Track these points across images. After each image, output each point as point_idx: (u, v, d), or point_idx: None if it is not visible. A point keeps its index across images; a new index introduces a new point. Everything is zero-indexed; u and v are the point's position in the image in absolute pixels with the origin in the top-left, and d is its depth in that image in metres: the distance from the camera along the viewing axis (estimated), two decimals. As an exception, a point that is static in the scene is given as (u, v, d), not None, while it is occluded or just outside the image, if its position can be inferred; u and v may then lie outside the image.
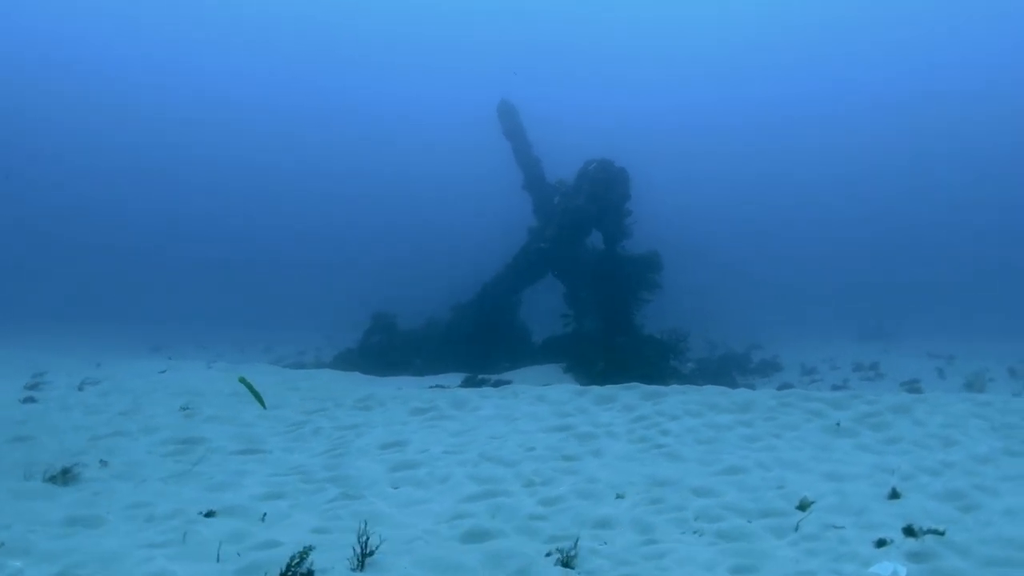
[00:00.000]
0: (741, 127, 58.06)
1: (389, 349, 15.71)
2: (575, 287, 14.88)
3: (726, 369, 16.88)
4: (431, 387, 8.56)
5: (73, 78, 49.29)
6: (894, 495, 4.64)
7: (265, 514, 4.10)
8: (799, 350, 18.88)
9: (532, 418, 6.14)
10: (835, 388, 13.33)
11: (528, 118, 16.67)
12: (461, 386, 9.86)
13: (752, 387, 15.60)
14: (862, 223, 49.63)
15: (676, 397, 6.85)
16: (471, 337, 16.15)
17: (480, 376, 10.89)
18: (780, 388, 14.18)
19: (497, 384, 10.36)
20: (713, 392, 6.94)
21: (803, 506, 4.51)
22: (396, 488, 4.72)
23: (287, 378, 8.27)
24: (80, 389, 7.22)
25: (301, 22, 55.92)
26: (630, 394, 6.92)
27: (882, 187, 53.87)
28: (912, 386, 12.91)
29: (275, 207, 48.48)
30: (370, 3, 55.90)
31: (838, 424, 5.95)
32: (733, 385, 15.63)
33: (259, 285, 32.95)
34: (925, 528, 3.93)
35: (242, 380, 5.15)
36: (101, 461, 4.91)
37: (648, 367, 12.63)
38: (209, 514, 4.03)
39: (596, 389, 7.01)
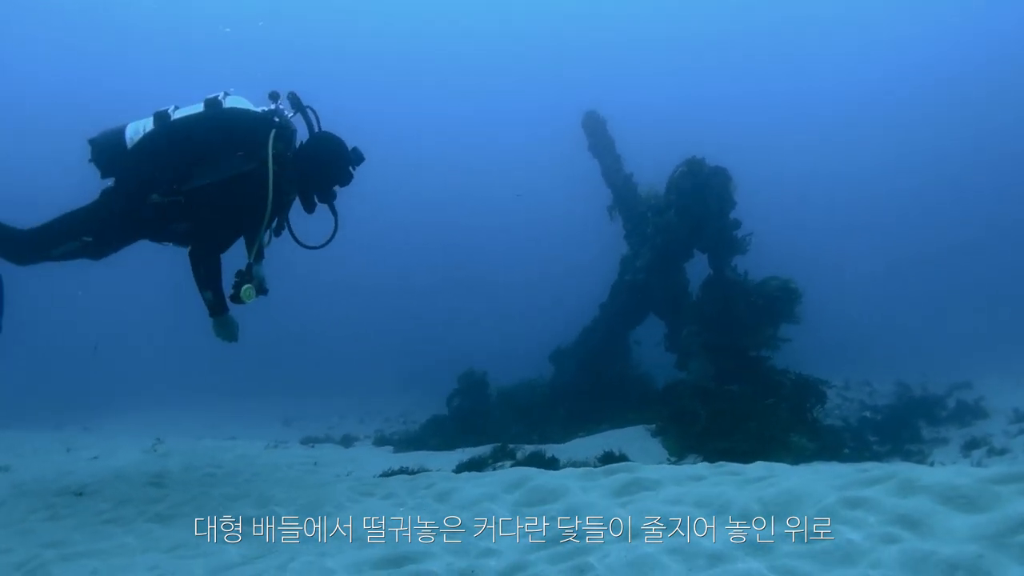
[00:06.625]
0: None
1: (476, 413, 13.71)
2: (676, 324, 11.96)
3: (910, 418, 12.83)
4: (391, 472, 6.36)
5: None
6: None
7: None
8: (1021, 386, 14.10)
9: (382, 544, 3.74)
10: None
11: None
12: (467, 465, 7.52)
13: (945, 441, 11.51)
14: None
15: (670, 490, 4.06)
16: (573, 391, 13.76)
17: (510, 446, 8.46)
18: (966, 445, 10.14)
19: (527, 457, 7.88)
20: (741, 479, 4.06)
21: None
22: None
23: (209, 459, 6.52)
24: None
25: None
26: (594, 486, 4.24)
27: None
28: None
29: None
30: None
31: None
32: (918, 440, 11.66)
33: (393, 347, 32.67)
34: None
35: None
36: None
37: (768, 424, 9.41)
38: None
39: (542, 479, 4.40)
